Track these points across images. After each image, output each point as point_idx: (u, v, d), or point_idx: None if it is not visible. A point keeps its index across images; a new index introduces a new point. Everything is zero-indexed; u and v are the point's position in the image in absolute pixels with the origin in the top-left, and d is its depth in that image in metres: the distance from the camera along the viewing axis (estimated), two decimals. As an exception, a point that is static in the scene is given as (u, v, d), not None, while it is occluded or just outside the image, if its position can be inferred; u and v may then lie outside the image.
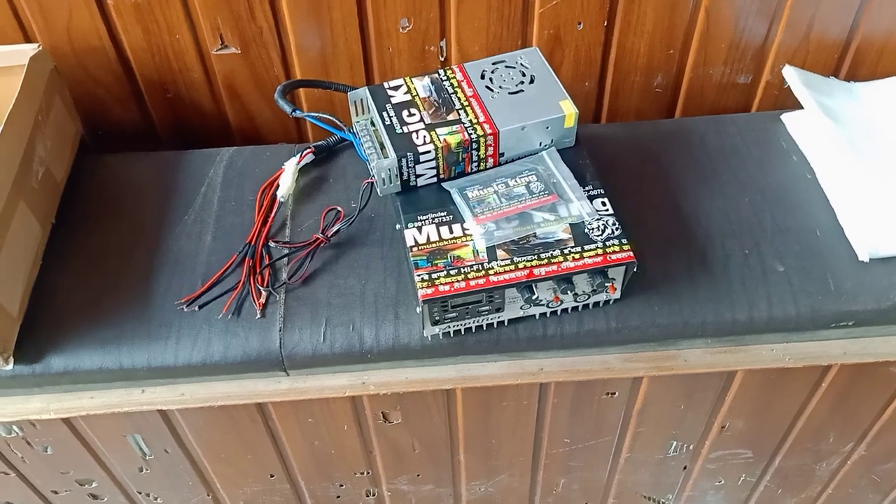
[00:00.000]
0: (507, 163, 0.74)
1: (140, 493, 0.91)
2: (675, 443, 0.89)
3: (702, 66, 0.92)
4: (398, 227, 0.72)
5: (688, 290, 0.73)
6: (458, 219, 0.70)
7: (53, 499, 0.90)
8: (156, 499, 0.92)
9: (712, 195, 0.80)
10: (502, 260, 0.67)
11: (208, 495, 0.92)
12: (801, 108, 0.84)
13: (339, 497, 0.96)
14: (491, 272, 0.66)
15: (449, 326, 0.69)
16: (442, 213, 0.71)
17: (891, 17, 0.88)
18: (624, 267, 0.67)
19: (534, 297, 0.67)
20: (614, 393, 0.79)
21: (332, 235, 0.76)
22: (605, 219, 0.69)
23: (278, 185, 0.80)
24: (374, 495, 0.96)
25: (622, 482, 0.97)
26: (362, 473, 0.91)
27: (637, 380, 0.78)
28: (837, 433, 0.90)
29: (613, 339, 0.72)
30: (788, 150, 0.84)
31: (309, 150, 0.83)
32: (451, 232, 0.69)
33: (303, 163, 0.82)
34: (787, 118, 0.87)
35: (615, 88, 0.94)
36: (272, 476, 0.89)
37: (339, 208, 0.78)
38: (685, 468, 0.95)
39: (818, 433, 0.89)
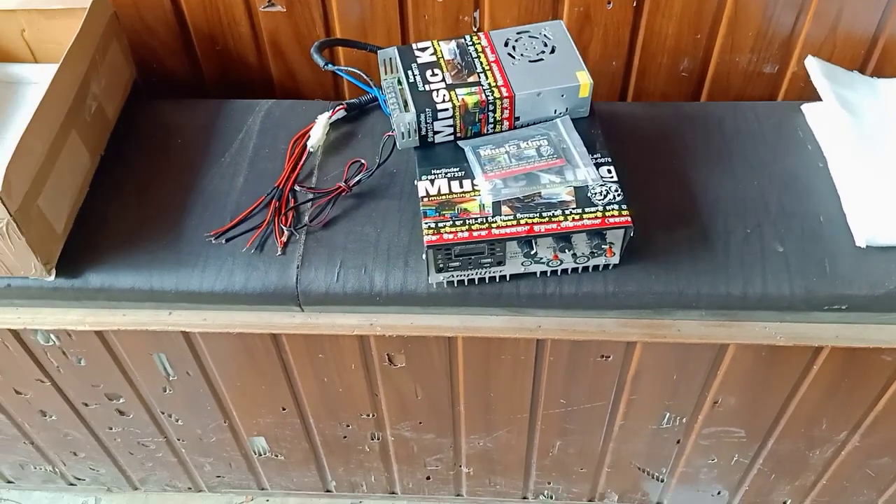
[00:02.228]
0: (522, 127, 0.78)
1: (163, 414, 0.98)
2: (668, 414, 0.92)
3: (728, 53, 0.94)
4: (416, 181, 0.76)
5: (686, 261, 0.76)
6: (470, 175, 0.74)
7: (84, 411, 0.98)
8: (177, 420, 0.99)
9: (722, 175, 0.83)
10: (506, 215, 0.71)
11: (225, 422, 0.99)
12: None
13: (345, 437, 1.01)
14: (494, 225, 0.70)
15: (453, 275, 0.73)
16: (455, 169, 0.75)
17: (919, 15, 0.89)
18: (622, 231, 0.71)
19: (533, 253, 0.71)
20: (609, 356, 0.83)
21: (353, 185, 0.81)
22: (609, 185, 0.72)
23: (309, 136, 0.85)
24: (378, 439, 1.01)
25: (617, 450, 1.00)
26: (368, 416, 0.96)
27: (631, 345, 0.81)
28: (830, 420, 0.91)
29: (610, 303, 0.76)
30: (804, 138, 0.86)
31: (341, 106, 0.88)
32: (462, 187, 0.74)
33: (334, 117, 0.87)
34: (807, 108, 0.88)
35: (642, 70, 0.97)
36: (284, 409, 0.95)
37: (362, 161, 0.83)
38: (678, 442, 0.98)
39: (811, 418, 0.91)
